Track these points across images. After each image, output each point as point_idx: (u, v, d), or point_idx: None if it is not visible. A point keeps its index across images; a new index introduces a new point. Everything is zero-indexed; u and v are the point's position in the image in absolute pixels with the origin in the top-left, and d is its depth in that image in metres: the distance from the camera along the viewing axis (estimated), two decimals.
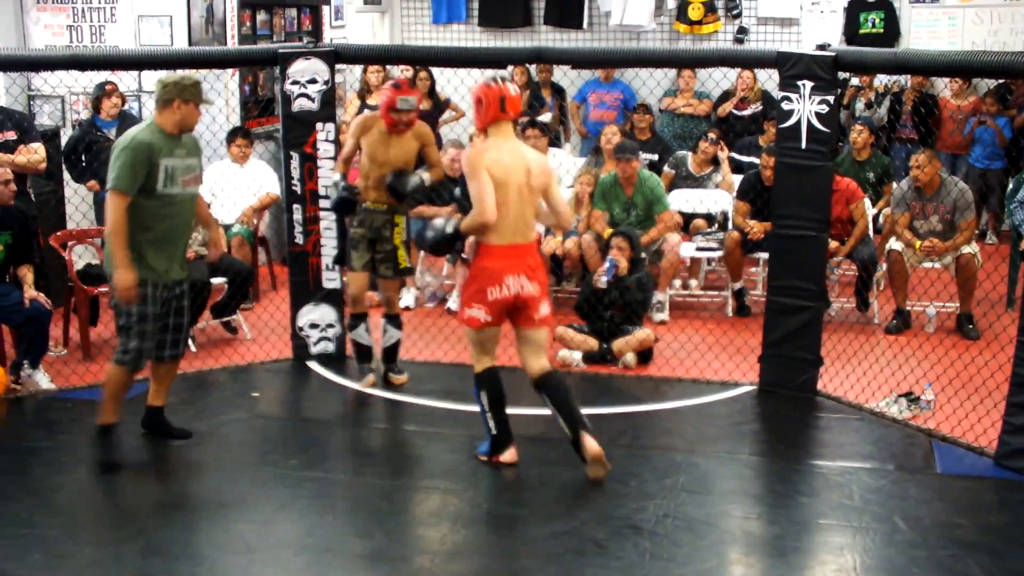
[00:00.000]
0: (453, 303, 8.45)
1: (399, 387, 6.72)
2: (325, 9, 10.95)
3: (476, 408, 5.55)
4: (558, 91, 11.04)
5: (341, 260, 6.94)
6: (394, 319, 6.80)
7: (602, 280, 7.25)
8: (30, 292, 6.66)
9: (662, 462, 5.65)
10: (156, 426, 5.89)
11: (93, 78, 8.35)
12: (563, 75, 11.01)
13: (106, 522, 5.02)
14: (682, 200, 8.86)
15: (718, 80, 9.82)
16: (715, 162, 9.09)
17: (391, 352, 6.85)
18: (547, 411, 5.41)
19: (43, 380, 6.75)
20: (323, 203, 7.04)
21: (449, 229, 5.41)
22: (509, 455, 5.51)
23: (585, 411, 5.39)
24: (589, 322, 7.37)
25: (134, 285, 5.29)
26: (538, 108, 10.26)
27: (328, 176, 6.88)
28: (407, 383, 6.78)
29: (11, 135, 7.25)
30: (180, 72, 5.50)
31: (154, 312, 5.45)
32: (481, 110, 5.34)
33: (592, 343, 7.29)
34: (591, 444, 5.25)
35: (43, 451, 5.78)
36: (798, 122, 6.33)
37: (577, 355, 7.24)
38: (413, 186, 6.50)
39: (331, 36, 10.96)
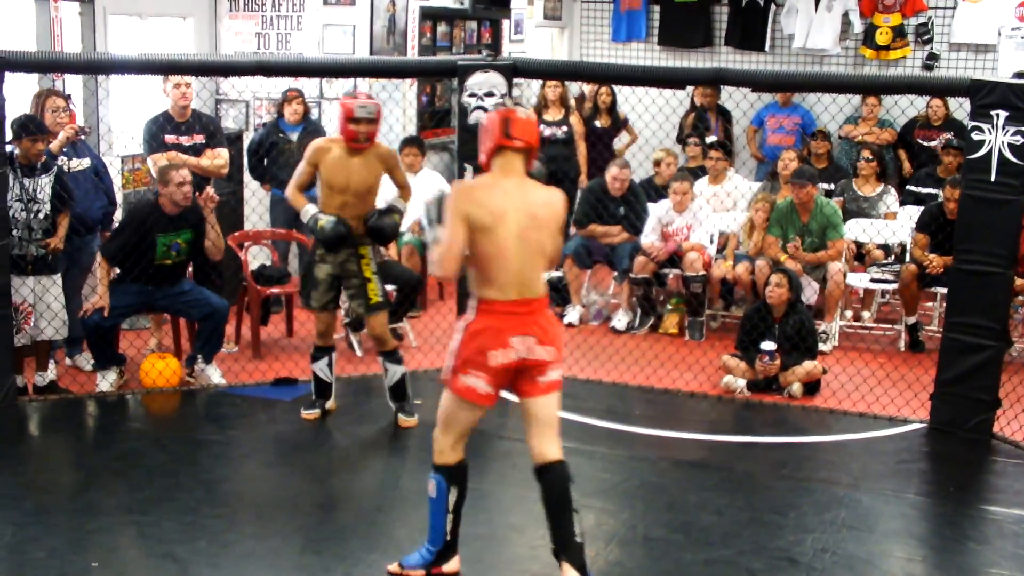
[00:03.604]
0: (618, 322, 8.41)
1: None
2: (505, 23, 11.07)
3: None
4: (723, 114, 10.86)
5: (306, 296, 6.22)
6: (391, 355, 6.23)
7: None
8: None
9: (824, 496, 5.48)
10: None
11: (277, 84, 8.61)
12: (742, 98, 10.80)
13: (267, 516, 5.14)
14: (859, 230, 8.63)
15: (904, 108, 9.51)
16: (884, 178, 8.79)
17: (399, 390, 6.27)
18: (706, 435, 5.29)
19: (215, 375, 6.97)
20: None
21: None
22: (454, 564, 4.57)
23: (747, 439, 5.26)
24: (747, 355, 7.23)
25: None
26: (703, 131, 10.12)
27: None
28: (416, 425, 6.17)
29: (199, 138, 7.54)
30: None
31: None
32: (482, 138, 4.36)
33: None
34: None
35: (212, 444, 5.97)
36: (988, 153, 6.08)
37: (741, 382, 7.09)
38: (396, 226, 6.07)
39: (510, 50, 11.07)
